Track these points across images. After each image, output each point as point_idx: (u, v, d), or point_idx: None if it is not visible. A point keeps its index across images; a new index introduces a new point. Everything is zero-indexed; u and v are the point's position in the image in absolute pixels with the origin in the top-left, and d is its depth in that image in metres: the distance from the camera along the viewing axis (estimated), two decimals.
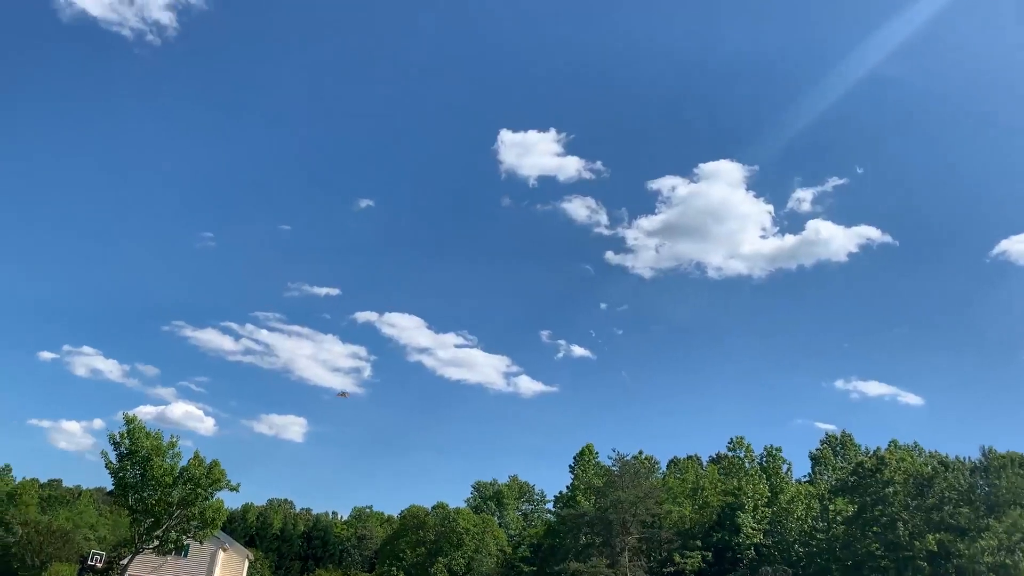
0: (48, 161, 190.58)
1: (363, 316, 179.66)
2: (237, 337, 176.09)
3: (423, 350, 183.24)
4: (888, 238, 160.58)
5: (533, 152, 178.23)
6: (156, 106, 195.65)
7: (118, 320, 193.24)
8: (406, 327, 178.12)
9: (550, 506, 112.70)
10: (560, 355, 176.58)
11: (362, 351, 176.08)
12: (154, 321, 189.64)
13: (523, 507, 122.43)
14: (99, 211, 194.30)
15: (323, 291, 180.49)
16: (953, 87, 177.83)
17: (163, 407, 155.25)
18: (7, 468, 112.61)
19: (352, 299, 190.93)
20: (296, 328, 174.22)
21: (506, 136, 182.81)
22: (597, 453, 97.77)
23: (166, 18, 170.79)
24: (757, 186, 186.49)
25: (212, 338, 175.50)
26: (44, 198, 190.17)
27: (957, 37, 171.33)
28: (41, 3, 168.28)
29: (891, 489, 69.91)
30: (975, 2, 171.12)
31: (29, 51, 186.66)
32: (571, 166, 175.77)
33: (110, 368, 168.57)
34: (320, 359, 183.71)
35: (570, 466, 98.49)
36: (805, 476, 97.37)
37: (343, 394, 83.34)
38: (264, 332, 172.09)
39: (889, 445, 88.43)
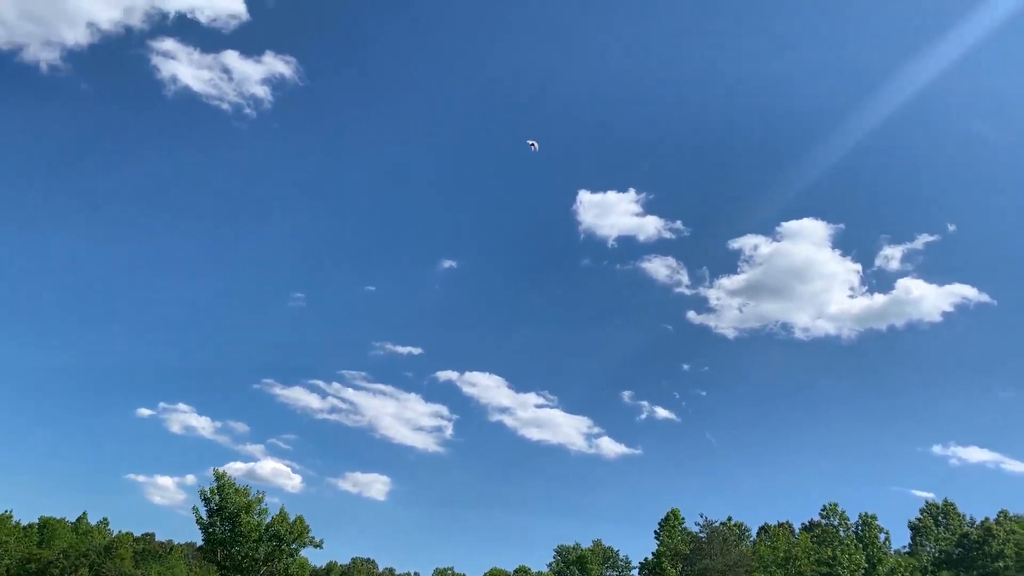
0: (149, 228, 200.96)
1: (444, 375, 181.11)
2: (324, 395, 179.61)
3: (504, 410, 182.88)
4: (985, 297, 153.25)
5: (612, 212, 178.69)
6: (252, 174, 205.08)
7: (212, 378, 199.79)
8: (487, 386, 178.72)
9: (635, 573, 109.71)
10: (643, 416, 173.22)
11: (444, 410, 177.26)
12: (245, 379, 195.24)
13: (607, 573, 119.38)
14: (197, 274, 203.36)
15: (406, 350, 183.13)
16: None
17: (252, 464, 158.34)
18: (104, 522, 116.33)
19: (434, 358, 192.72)
20: (380, 387, 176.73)
21: (585, 196, 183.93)
22: (683, 519, 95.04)
23: (262, 92, 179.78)
24: (843, 244, 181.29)
25: (300, 396, 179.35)
26: (145, 262, 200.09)
27: None
28: (148, 81, 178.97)
29: (1001, 563, 65.83)
30: None
31: (137, 124, 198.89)
32: (651, 225, 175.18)
33: (203, 425, 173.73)
34: (403, 418, 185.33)
35: (655, 531, 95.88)
36: (904, 547, 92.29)
37: (533, 144, 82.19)
38: (350, 391, 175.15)
39: (999, 515, 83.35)
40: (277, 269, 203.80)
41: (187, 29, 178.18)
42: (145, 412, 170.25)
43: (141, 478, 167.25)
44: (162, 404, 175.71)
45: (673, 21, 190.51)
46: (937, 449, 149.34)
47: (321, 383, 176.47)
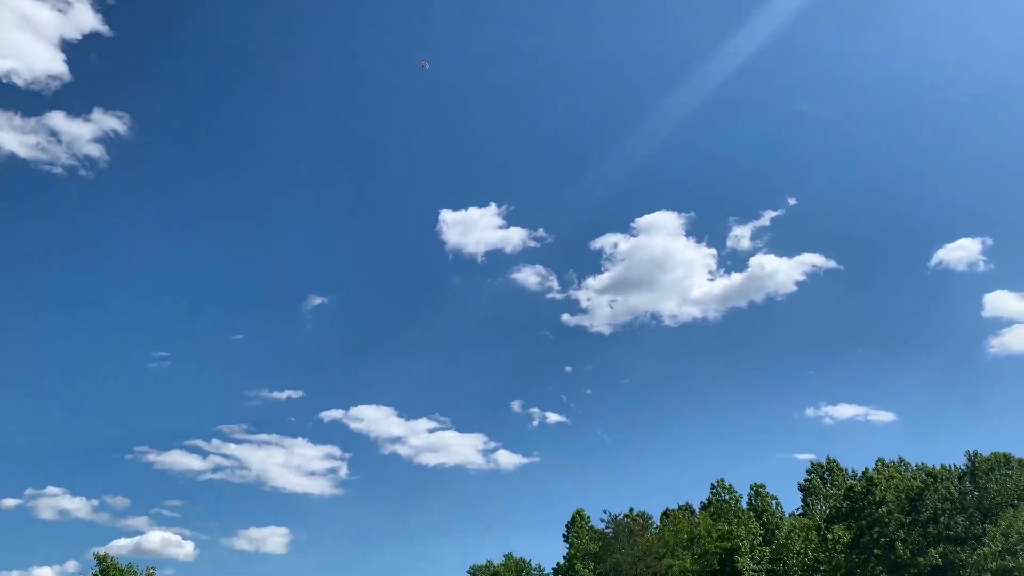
0: None
1: (329, 415, 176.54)
2: (205, 455, 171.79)
3: (396, 440, 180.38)
4: (832, 263, 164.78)
5: (476, 228, 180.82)
6: (95, 236, 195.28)
7: (80, 455, 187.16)
8: (375, 419, 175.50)
9: None
10: (535, 423, 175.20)
11: (335, 451, 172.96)
12: (117, 450, 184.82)
13: None
14: (50, 347, 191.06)
15: (284, 395, 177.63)
16: (870, 112, 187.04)
17: (138, 538, 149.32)
18: None
19: (316, 398, 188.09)
20: (263, 437, 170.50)
21: (447, 215, 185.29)
22: (589, 518, 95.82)
23: (96, 151, 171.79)
24: (696, 231, 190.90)
25: (179, 460, 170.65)
26: None
27: (870, 65, 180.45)
28: None
29: (884, 509, 69.41)
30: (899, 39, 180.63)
31: None
32: (515, 236, 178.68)
33: (78, 506, 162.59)
34: (293, 465, 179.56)
35: (563, 535, 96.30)
36: (797, 509, 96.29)
37: (423, 64, 79.11)
38: (232, 445, 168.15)
39: (876, 464, 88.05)
40: (135, 330, 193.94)
41: (4, 94, 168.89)
42: (10, 502, 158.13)
43: (15, 574, 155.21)
44: (28, 490, 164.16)
45: (502, 25, 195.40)
46: (810, 411, 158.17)
47: (200, 442, 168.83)
